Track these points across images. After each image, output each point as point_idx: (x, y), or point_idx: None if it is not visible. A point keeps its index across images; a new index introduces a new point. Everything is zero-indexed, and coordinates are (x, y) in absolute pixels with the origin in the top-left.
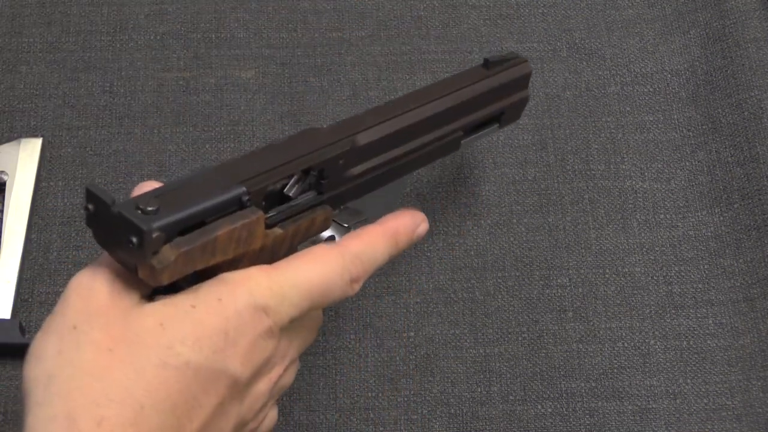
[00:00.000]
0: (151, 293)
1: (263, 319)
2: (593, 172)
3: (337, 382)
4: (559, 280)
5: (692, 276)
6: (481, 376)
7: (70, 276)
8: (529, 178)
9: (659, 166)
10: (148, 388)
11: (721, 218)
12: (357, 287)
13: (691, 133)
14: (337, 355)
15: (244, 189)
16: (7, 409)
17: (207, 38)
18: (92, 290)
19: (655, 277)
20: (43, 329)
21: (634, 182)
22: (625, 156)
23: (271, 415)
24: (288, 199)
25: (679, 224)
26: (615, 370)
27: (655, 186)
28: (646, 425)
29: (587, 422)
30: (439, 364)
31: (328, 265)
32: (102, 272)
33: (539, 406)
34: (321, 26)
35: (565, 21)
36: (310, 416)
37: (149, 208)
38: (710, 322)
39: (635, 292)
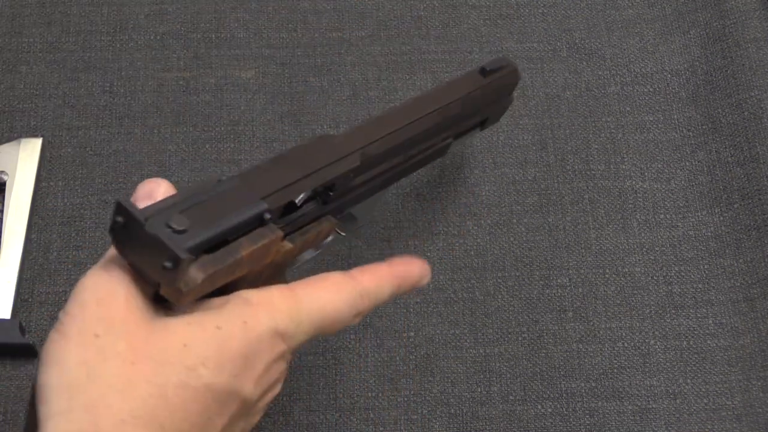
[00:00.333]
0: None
1: (280, 345)
2: (593, 172)
3: (337, 382)
4: (559, 280)
5: (692, 276)
6: (481, 376)
7: (70, 276)
8: (529, 178)
9: (659, 166)
10: (169, 407)
11: (721, 218)
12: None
13: (691, 133)
14: (337, 355)
15: (266, 206)
16: (7, 409)
17: (207, 38)
18: (110, 295)
19: (655, 277)
20: (60, 332)
21: (634, 182)
22: (625, 156)
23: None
24: (294, 206)
25: (679, 224)
26: (615, 370)
27: (655, 186)
28: (646, 425)
29: (587, 422)
30: (439, 364)
31: (342, 296)
32: (118, 275)
33: (539, 406)
34: (321, 26)
35: (565, 21)
36: (310, 416)
37: (180, 228)
38: (710, 322)
39: (635, 292)
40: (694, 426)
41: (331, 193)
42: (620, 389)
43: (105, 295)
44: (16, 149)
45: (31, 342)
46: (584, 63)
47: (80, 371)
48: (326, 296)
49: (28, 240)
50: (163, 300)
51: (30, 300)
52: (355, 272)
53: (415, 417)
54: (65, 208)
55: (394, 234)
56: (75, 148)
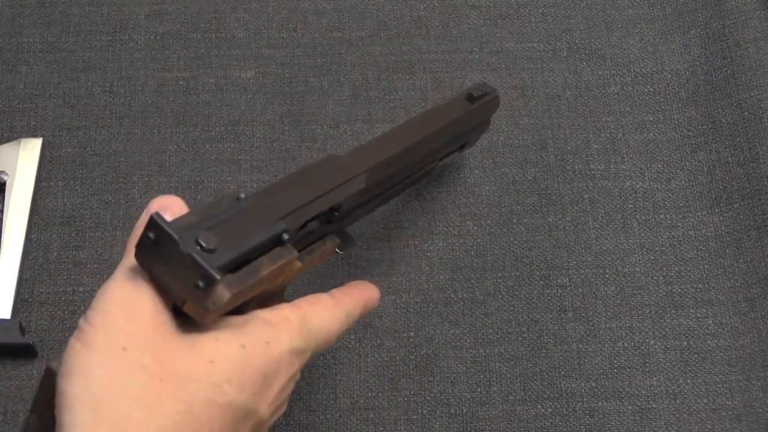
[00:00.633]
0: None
1: (295, 363)
2: (593, 172)
3: (337, 382)
4: (559, 280)
5: (692, 276)
6: (481, 376)
7: (70, 276)
8: (529, 178)
9: (659, 166)
10: (195, 424)
11: (721, 218)
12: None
13: (691, 133)
14: (337, 355)
15: (284, 227)
16: (7, 409)
17: (207, 38)
18: (137, 308)
19: (655, 277)
20: (84, 343)
21: (634, 182)
22: (625, 156)
23: None
24: (303, 226)
25: (679, 224)
26: (615, 370)
27: (655, 186)
28: (646, 425)
29: (587, 422)
30: (439, 364)
31: (335, 317)
32: (144, 288)
33: (539, 406)
34: (321, 26)
35: (565, 21)
36: (310, 416)
37: (210, 246)
38: (710, 322)
39: (635, 292)
40: (694, 426)
41: (336, 213)
42: (620, 389)
43: (131, 307)
44: (16, 149)
45: (31, 342)
46: (584, 63)
47: (106, 384)
48: (325, 315)
49: (28, 240)
50: (181, 314)
51: (30, 300)
52: (338, 294)
53: (415, 417)
54: (65, 208)
55: (394, 234)
56: (75, 148)
